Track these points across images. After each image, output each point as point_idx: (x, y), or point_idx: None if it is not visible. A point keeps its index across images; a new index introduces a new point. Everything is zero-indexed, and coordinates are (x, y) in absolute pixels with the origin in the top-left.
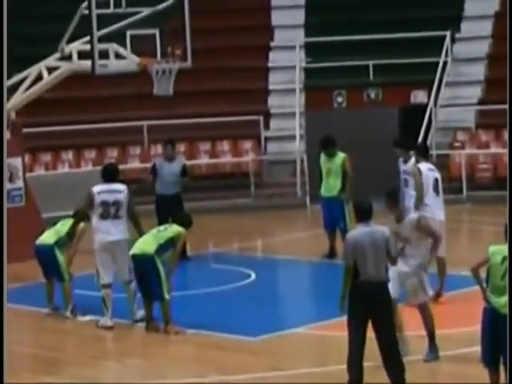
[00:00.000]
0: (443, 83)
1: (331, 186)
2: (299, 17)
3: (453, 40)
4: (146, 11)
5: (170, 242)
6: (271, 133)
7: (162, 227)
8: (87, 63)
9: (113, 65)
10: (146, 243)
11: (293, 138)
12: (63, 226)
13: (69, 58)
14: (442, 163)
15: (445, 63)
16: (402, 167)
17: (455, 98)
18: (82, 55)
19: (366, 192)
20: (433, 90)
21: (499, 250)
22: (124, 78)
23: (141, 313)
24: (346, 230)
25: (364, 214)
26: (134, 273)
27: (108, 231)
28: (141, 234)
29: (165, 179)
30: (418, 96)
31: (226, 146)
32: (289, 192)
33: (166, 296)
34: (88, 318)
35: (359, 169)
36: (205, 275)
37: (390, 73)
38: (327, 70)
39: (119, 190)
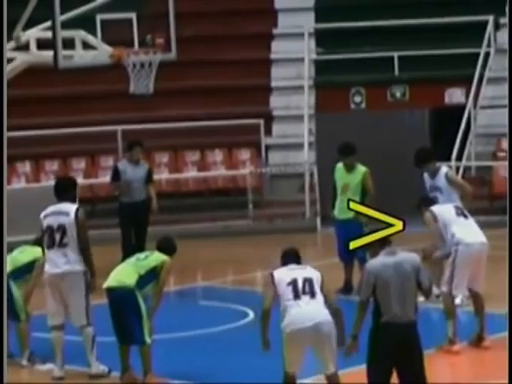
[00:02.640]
0: (485, 79)
1: (348, 206)
2: None
3: (497, 26)
4: None
5: (152, 273)
6: (274, 140)
7: (141, 255)
8: (48, 54)
9: (80, 56)
10: (125, 274)
11: (300, 146)
12: (21, 255)
13: (26, 47)
14: (483, 177)
15: (487, 55)
16: (429, 183)
17: (499, 98)
18: (42, 44)
19: (389, 213)
20: (472, 88)
21: None
22: (93, 72)
23: (101, 367)
24: (366, 260)
25: (388, 240)
26: (109, 310)
27: (52, 262)
28: (91, 270)
29: (133, 185)
30: (454, 95)
31: (218, 155)
32: (295, 212)
33: (147, 339)
34: (48, 366)
35: (381, 184)
36: (193, 314)
37: (419, 67)
38: (342, 64)
39: (65, 212)
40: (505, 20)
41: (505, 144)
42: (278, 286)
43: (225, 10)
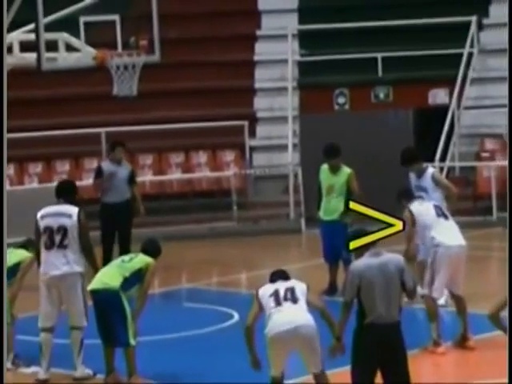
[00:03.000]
0: (468, 80)
1: (332, 207)
2: None
3: (480, 27)
4: None
5: (137, 275)
6: (258, 141)
7: (126, 257)
8: (31, 56)
9: (63, 59)
10: (109, 276)
11: (284, 147)
12: (7, 257)
13: (9, 50)
14: (467, 178)
15: (470, 55)
16: (415, 182)
17: (483, 98)
18: (25, 47)
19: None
20: (455, 89)
21: None
22: (77, 74)
23: (86, 371)
24: (351, 261)
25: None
26: (94, 312)
27: (51, 263)
28: (95, 269)
29: (115, 185)
30: (438, 96)
31: (202, 157)
32: (280, 214)
33: (132, 341)
34: (32, 369)
35: (365, 185)
36: (177, 316)
37: (402, 68)
38: (326, 65)
39: (66, 214)
40: (488, 20)
41: (488, 144)
42: (261, 299)
43: (208, 12)
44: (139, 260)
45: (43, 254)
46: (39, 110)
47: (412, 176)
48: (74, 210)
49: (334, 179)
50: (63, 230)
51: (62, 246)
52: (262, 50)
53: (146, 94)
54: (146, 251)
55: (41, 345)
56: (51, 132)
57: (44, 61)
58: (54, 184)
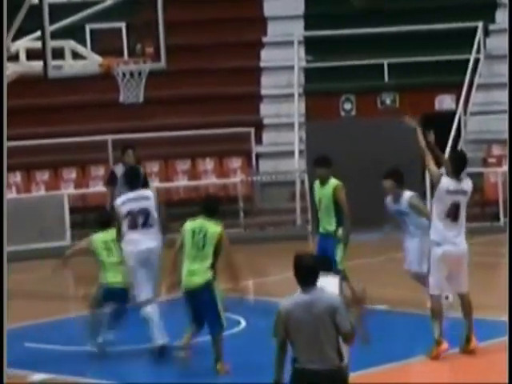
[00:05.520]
0: (474, 86)
1: (324, 221)
2: (298, 6)
3: (486, 33)
4: (109, 1)
5: (215, 251)
6: (264, 148)
7: (200, 242)
8: (38, 64)
9: (69, 66)
10: (200, 272)
11: (291, 154)
12: None
13: (15, 58)
14: (474, 183)
15: (476, 61)
16: (393, 207)
17: (489, 104)
18: (32, 54)
19: (383, 222)
20: (462, 95)
21: None
22: (83, 82)
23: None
24: (341, 274)
25: (304, 276)
26: (187, 305)
27: (138, 241)
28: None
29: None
30: (444, 102)
31: (209, 164)
32: (286, 220)
33: (223, 323)
34: (37, 376)
35: (370, 190)
36: (184, 323)
37: (409, 74)
38: (332, 71)
39: (146, 197)
40: (494, 26)
41: (495, 150)
42: None
43: (214, 19)
44: (211, 240)
45: (128, 233)
46: (45, 117)
47: (389, 201)
48: (150, 193)
49: (322, 192)
50: (145, 212)
51: (146, 225)
52: (268, 57)
53: (153, 101)
54: (208, 210)
55: (147, 318)
56: (58, 140)
57: (50, 68)
58: (61, 192)
